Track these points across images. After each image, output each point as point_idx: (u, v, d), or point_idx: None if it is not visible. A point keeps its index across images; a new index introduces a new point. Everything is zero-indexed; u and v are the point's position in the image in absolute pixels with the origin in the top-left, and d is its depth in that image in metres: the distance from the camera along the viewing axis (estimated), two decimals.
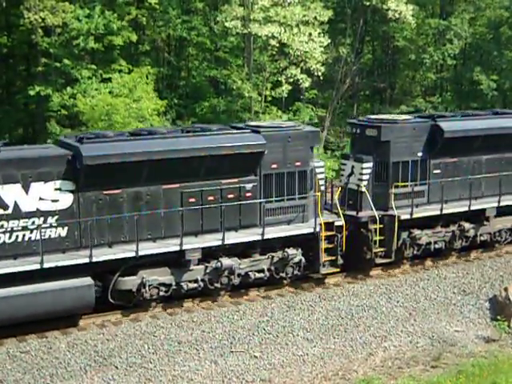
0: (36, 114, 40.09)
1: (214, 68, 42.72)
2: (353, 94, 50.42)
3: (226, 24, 37.89)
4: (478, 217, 25.48)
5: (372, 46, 55.28)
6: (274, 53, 40.69)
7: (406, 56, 48.31)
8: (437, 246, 24.90)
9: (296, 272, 22.34)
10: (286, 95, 40.48)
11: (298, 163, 22.05)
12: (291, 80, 39.33)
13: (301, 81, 39.32)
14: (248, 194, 21.38)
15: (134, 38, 38.78)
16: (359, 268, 24.07)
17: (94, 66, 37.13)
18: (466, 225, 25.23)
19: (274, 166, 21.71)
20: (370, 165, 23.95)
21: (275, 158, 21.69)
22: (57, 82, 37.18)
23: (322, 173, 23.23)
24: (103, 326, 19.50)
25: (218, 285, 21.06)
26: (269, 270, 21.90)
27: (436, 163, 24.88)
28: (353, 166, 24.14)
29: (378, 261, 24.02)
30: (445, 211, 24.56)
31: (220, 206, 20.66)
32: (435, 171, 24.90)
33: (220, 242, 20.60)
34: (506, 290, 23.66)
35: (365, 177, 23.87)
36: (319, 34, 38.94)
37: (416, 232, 24.31)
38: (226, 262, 20.86)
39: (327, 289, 22.66)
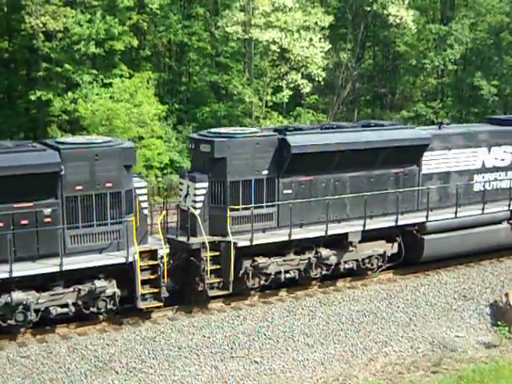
0: (37, 118, 40.16)
1: (214, 73, 42.80)
2: (353, 99, 50.50)
3: (227, 29, 38.03)
4: (340, 242, 22.75)
5: (373, 51, 55.40)
6: (275, 58, 40.79)
7: (407, 61, 48.38)
8: (288, 275, 22.03)
9: (110, 306, 19.68)
10: (286, 100, 40.59)
11: (108, 184, 19.29)
12: (292, 85, 39.44)
13: (301, 86, 39.43)
14: (47, 220, 18.67)
15: (135, 43, 38.90)
16: (194, 301, 21.43)
17: (94, 71, 37.23)
18: (324, 251, 22.31)
19: (79, 187, 18.93)
20: (205, 185, 21.19)
21: (80, 178, 18.94)
22: (58, 86, 37.27)
23: (144, 194, 20.48)
24: (104, 331, 19.49)
25: (12, 321, 18.53)
26: (75, 304, 19.19)
27: (286, 182, 21.99)
28: (188, 186, 21.54)
29: (212, 293, 21.10)
30: (294, 236, 21.71)
31: (9, 234, 18.03)
32: (286, 191, 22.03)
33: (7, 275, 18.02)
34: (506, 295, 23.63)
35: (198, 198, 21.18)
36: (320, 39, 39.07)
37: (260, 260, 21.45)
38: (18, 296, 18.37)
39: (328, 294, 22.64)
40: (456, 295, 24.00)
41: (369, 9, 43.25)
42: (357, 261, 23.28)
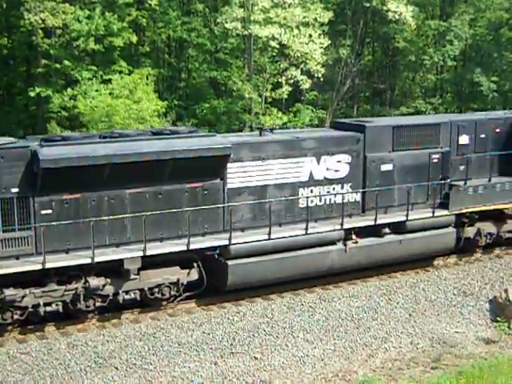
0: (36, 115, 40.15)
1: (214, 69, 42.78)
2: (353, 95, 50.48)
3: (227, 25, 37.96)
4: (116, 270, 19.56)
5: (372, 47, 55.35)
6: (275, 54, 40.79)
7: (406, 57, 48.34)
8: (50, 308, 18.99)
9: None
10: (286, 96, 40.56)
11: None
12: (291, 81, 39.39)
13: (301, 82, 39.38)
14: None
15: (135, 39, 38.85)
16: None
17: (94, 68, 37.18)
18: (94, 281, 19.18)
19: None
20: None
21: None
22: (57, 83, 37.25)
23: None
24: (103, 327, 19.51)
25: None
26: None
27: (44, 201, 18.77)
28: None
29: None
30: (50, 265, 18.50)
31: None
32: (44, 211, 18.82)
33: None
34: (506, 291, 23.64)
35: None
36: (319, 35, 39.02)
37: (9, 292, 18.34)
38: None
39: (327, 290, 22.65)
40: (455, 291, 24.01)
41: (368, 5, 43.19)
42: (142, 290, 20.02)
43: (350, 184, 23.11)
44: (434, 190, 24.33)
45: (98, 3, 37.70)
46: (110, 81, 36.45)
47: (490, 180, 25.13)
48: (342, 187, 23.00)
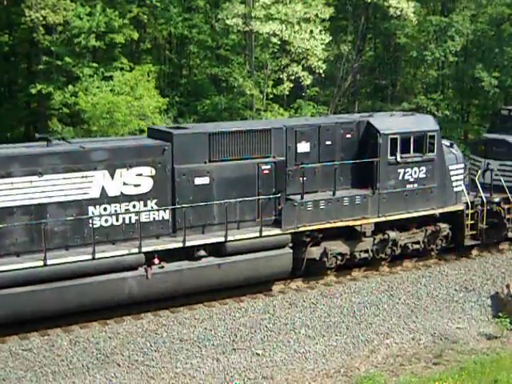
0: (38, 112, 40.15)
1: (215, 66, 42.74)
2: (354, 91, 50.42)
3: (227, 22, 37.92)
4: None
5: (373, 43, 55.26)
6: (276, 50, 40.71)
7: (408, 53, 48.25)
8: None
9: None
10: (287, 93, 40.49)
11: None
12: (293, 77, 39.33)
13: (302, 78, 39.32)
14: None
15: (136, 35, 38.87)
16: None
17: (95, 64, 37.14)
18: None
19: None
20: None
21: None
22: (58, 80, 37.21)
23: None
24: (105, 323, 19.53)
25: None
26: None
27: None
28: None
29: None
30: None
31: None
32: None
33: None
34: (507, 286, 23.66)
35: None
36: (320, 31, 38.94)
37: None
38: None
39: (329, 286, 22.66)
40: (457, 287, 24.03)
41: (369, 0, 43.11)
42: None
43: (155, 200, 20.09)
44: (265, 206, 21.40)
45: (98, 0, 37.67)
46: (111, 77, 36.43)
47: (334, 193, 21.99)
48: (146, 204, 19.97)
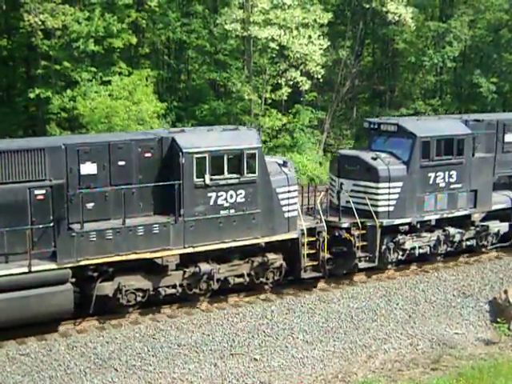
0: (36, 116, 40.19)
1: (213, 71, 42.80)
2: (352, 96, 50.54)
3: (226, 27, 38.02)
4: None
5: (372, 48, 55.42)
6: (274, 55, 40.80)
7: (406, 58, 48.38)
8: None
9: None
10: (285, 98, 40.59)
11: None
12: (291, 82, 39.43)
13: (300, 83, 39.41)
14: None
15: (134, 40, 38.90)
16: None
17: (93, 69, 37.21)
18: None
19: None
20: None
21: None
22: (57, 84, 37.27)
23: None
24: (103, 328, 19.49)
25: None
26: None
27: None
28: None
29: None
30: None
31: None
32: None
33: None
34: (505, 292, 23.65)
35: None
36: (319, 36, 39.07)
37: None
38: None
39: (327, 291, 22.65)
40: (455, 292, 24.02)
41: (368, 6, 43.23)
42: None
43: None
44: (41, 237, 18.32)
45: (97, 4, 37.72)
46: (109, 82, 36.48)
47: (124, 222, 18.90)
48: None
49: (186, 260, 20.07)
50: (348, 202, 23.09)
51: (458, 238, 24.81)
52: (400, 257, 23.93)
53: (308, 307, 21.72)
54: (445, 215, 24.36)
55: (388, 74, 52.90)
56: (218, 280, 20.76)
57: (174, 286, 20.14)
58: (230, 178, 20.10)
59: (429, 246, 24.42)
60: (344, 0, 48.28)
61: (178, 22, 42.13)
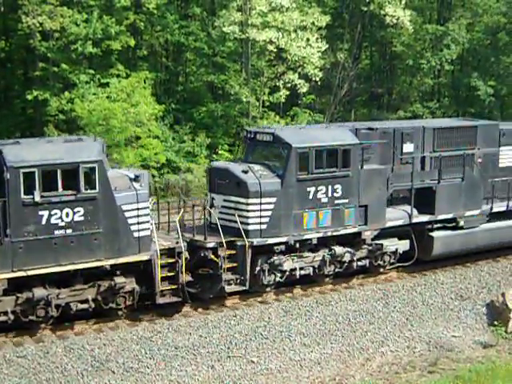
0: (34, 118, 40.15)
1: (211, 73, 42.79)
2: (350, 99, 50.51)
3: (224, 29, 38.06)
4: None
5: (370, 51, 55.44)
6: (272, 58, 40.83)
7: (404, 61, 48.44)
8: None
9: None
10: (283, 100, 40.59)
11: None
12: (289, 85, 39.44)
13: (298, 86, 39.46)
14: None
15: (132, 42, 38.88)
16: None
17: (91, 71, 37.18)
18: None
19: None
20: None
21: None
22: (55, 86, 37.23)
23: None
24: (100, 330, 19.46)
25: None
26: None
27: None
28: None
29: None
30: None
31: None
32: None
33: None
34: (503, 295, 23.66)
35: None
36: (317, 39, 39.11)
37: None
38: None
39: (324, 294, 22.64)
40: (453, 295, 24.03)
41: (365, 9, 43.27)
42: None
43: None
44: None
45: (95, 7, 37.73)
46: (107, 84, 36.48)
47: None
48: None
49: (20, 285, 18.13)
50: (221, 219, 21.08)
51: (347, 257, 22.48)
52: (278, 279, 21.61)
53: (305, 310, 21.71)
54: (329, 233, 21.93)
55: (386, 77, 52.93)
56: (58, 306, 18.58)
57: (6, 313, 18.12)
58: (65, 195, 18.00)
59: (312, 266, 22.13)
60: (342, 3, 48.31)
61: (176, 25, 42.11)
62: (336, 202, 21.77)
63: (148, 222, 19.38)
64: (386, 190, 22.96)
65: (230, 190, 21.03)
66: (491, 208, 25.45)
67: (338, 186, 21.72)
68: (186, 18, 44.28)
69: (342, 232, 22.16)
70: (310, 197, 21.34)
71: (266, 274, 21.41)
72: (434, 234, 24.27)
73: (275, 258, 21.28)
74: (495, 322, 23.08)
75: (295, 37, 38.17)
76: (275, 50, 38.65)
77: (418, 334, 22.30)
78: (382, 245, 23.19)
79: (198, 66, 44.89)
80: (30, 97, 36.34)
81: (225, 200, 21.23)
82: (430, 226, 24.27)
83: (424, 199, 23.83)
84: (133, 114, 33.69)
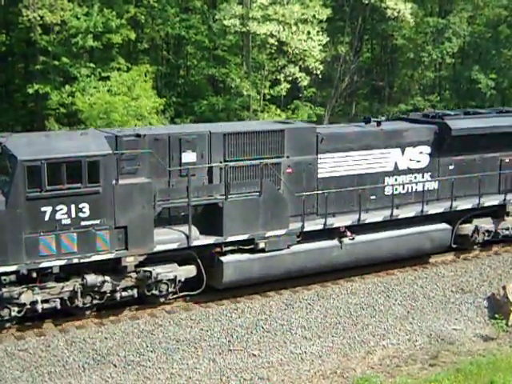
0: (35, 112, 40.13)
1: (212, 66, 42.70)
2: (351, 92, 50.47)
3: (225, 22, 37.93)
4: None
5: (371, 44, 55.37)
6: (273, 51, 40.71)
7: (405, 54, 48.39)
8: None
9: None
10: (284, 93, 40.50)
11: None
12: (290, 78, 39.35)
13: (299, 79, 39.34)
14: None
15: (133, 36, 38.80)
16: None
17: (92, 65, 37.13)
18: None
19: None
20: None
21: None
22: (55, 80, 37.17)
23: None
24: (101, 324, 19.50)
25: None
26: None
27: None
28: None
29: None
30: None
31: None
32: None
33: None
34: (504, 288, 23.68)
35: None
36: (318, 32, 38.97)
37: None
38: None
39: (325, 287, 22.66)
40: (454, 288, 24.04)
41: (367, 2, 43.13)
42: None
43: None
44: None
45: (96, 0, 37.66)
46: (108, 78, 36.40)
47: None
48: None
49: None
50: None
51: (107, 287, 19.29)
52: (16, 313, 18.46)
53: (306, 303, 21.74)
54: (75, 260, 18.46)
55: (387, 70, 52.86)
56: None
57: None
58: None
59: (61, 298, 18.92)
60: None
61: (177, 18, 42.04)
62: (83, 223, 18.41)
63: None
64: (153, 208, 19.41)
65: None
66: (302, 226, 21.82)
67: (85, 205, 18.38)
68: (186, 12, 44.20)
69: (94, 258, 18.72)
70: (46, 218, 17.98)
71: None
72: (224, 258, 20.75)
73: (5, 290, 18.05)
74: (496, 315, 23.08)
75: (296, 30, 38.05)
76: (276, 43, 38.52)
77: (419, 327, 22.32)
78: (150, 272, 19.78)
79: (199, 60, 44.79)
80: (30, 90, 36.30)
81: None
82: (219, 250, 20.88)
83: (211, 218, 20.61)
84: (134, 107, 33.63)
